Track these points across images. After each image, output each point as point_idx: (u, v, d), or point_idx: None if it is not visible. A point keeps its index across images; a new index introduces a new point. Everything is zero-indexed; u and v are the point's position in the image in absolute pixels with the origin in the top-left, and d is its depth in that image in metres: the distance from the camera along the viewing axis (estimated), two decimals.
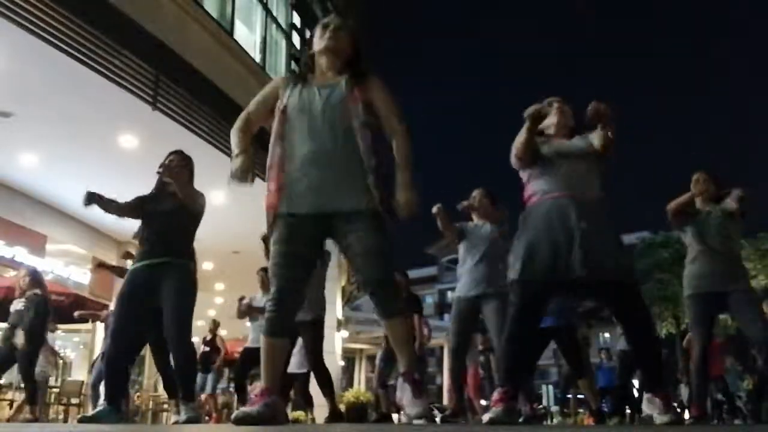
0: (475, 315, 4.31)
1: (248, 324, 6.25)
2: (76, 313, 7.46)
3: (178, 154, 3.77)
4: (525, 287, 2.65)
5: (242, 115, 2.45)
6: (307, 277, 2.30)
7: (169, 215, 3.64)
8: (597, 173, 2.80)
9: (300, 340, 5.05)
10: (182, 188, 3.60)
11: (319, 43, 2.41)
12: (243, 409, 2.14)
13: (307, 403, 6.56)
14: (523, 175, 2.90)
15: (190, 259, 3.67)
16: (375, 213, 2.23)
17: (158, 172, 3.55)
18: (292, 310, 2.27)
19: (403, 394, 2.29)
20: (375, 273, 2.22)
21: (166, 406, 9.54)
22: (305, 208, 2.22)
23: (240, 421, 2.06)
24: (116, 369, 3.53)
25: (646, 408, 2.58)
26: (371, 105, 2.32)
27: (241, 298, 5.77)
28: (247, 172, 2.29)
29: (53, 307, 6.44)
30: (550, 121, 2.92)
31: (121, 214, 3.76)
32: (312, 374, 5.29)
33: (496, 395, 2.60)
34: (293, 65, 10.32)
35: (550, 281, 2.61)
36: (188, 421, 3.55)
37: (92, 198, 3.47)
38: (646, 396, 2.59)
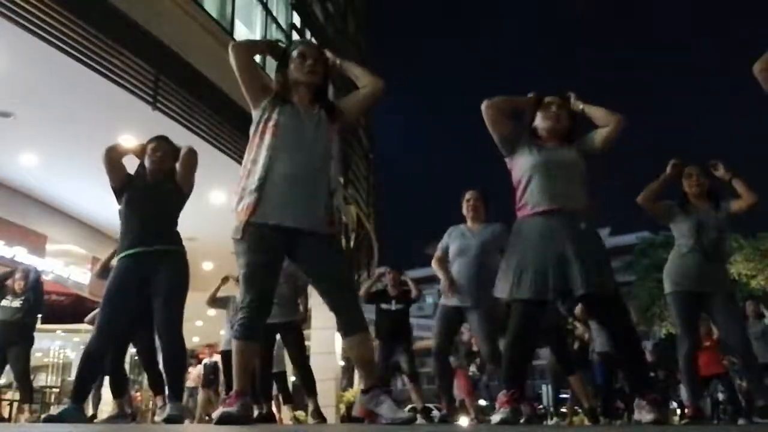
0: (459, 320, 4.28)
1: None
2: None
3: (163, 140, 3.53)
4: (519, 306, 2.69)
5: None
6: (276, 284, 2.47)
7: (155, 196, 3.38)
8: (583, 184, 2.80)
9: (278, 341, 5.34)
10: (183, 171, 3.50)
11: (297, 74, 2.53)
12: (223, 409, 2.27)
13: (285, 401, 6.50)
14: (515, 178, 2.84)
15: (181, 244, 3.41)
16: (334, 237, 2.51)
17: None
18: (263, 316, 2.40)
19: (373, 404, 2.34)
20: (341, 297, 2.41)
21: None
22: (275, 219, 2.36)
23: (221, 420, 2.20)
24: (94, 366, 3.28)
25: (636, 413, 2.60)
26: (343, 121, 2.61)
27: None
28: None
29: (48, 307, 6.45)
30: (544, 125, 2.86)
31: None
32: (296, 373, 5.41)
33: (503, 397, 2.63)
34: None
35: (539, 300, 2.65)
36: (169, 419, 3.20)
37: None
38: (636, 402, 2.61)
